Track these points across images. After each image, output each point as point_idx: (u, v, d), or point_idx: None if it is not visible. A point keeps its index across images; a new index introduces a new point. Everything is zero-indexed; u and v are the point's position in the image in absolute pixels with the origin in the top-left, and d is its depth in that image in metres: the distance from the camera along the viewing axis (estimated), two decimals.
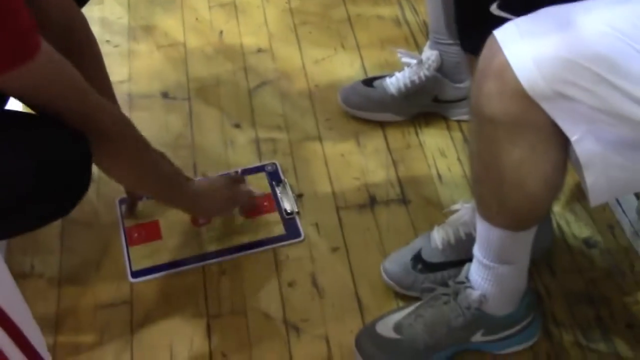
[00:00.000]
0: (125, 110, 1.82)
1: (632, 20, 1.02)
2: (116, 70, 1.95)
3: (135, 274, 1.52)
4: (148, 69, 1.96)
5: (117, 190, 1.64)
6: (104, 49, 1.99)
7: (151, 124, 1.81)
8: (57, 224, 1.59)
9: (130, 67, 1.96)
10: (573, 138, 1.02)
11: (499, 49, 1.02)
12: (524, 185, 1.10)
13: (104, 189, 1.67)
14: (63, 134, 1.14)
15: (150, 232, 1.59)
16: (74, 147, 1.16)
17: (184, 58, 1.98)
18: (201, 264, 1.53)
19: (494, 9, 1.16)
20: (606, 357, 1.36)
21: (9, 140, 1.12)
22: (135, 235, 1.59)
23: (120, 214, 1.63)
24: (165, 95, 1.89)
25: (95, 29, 2.01)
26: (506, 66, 1.01)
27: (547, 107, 1.01)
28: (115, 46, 2.02)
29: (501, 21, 1.08)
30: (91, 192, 1.66)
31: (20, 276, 1.51)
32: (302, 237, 1.56)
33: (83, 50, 1.42)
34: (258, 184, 1.66)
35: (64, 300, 1.49)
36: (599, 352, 1.36)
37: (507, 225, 1.19)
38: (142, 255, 1.55)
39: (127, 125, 1.29)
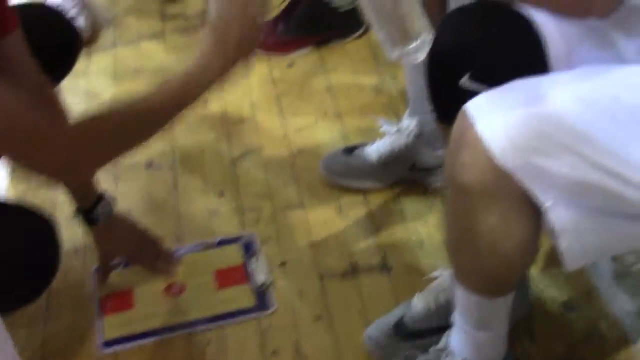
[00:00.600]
0: (110, 182, 1.87)
1: (597, 93, 1.06)
2: None
3: (107, 344, 1.53)
4: None
5: None
6: None
7: (135, 195, 1.84)
8: (42, 296, 1.60)
9: None
10: (545, 206, 1.05)
11: (471, 121, 1.06)
12: (499, 252, 1.13)
13: (89, 260, 1.68)
14: (30, 229, 1.16)
15: (123, 301, 1.60)
16: (41, 243, 1.18)
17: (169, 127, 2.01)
18: (174, 333, 1.54)
19: (464, 81, 1.21)
20: None
21: None
22: (109, 304, 1.60)
23: (95, 283, 1.64)
24: (149, 164, 1.92)
25: (81, 101, 2.08)
26: (478, 137, 1.05)
27: (519, 176, 1.04)
28: None
29: (473, 93, 1.12)
30: (76, 263, 1.69)
31: None
32: (273, 309, 1.57)
33: None
34: (232, 255, 1.68)
35: None
36: None
37: (484, 291, 1.22)
38: (115, 325, 1.56)
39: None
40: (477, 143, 1.05)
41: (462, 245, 1.19)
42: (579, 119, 1.04)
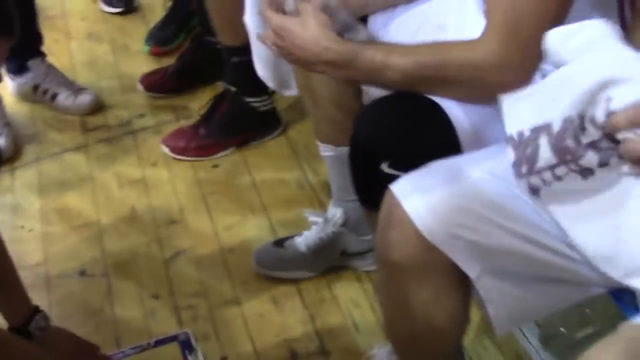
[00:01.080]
0: (42, 292, 1.87)
1: (506, 167, 1.15)
2: (32, 253, 1.99)
3: None
4: (64, 250, 2.00)
5: None
6: (18, 234, 2.06)
7: (70, 303, 1.85)
8: None
9: (46, 250, 2.00)
10: (473, 276, 1.12)
11: (397, 202, 1.14)
12: (434, 324, 1.18)
13: None
14: None
15: None
16: None
17: (99, 235, 2.04)
18: None
19: (384, 167, 1.29)
20: None
21: None
22: None
23: None
24: (82, 273, 1.93)
25: (8, 216, 2.09)
26: (405, 216, 1.12)
27: (445, 249, 1.11)
28: (30, 230, 2.06)
29: (394, 177, 1.20)
30: None
31: None
32: None
33: None
34: (171, 354, 1.70)
35: None
36: None
37: None
38: None
39: None
40: (404, 222, 1.12)
41: (397, 321, 1.25)
42: (492, 191, 1.12)
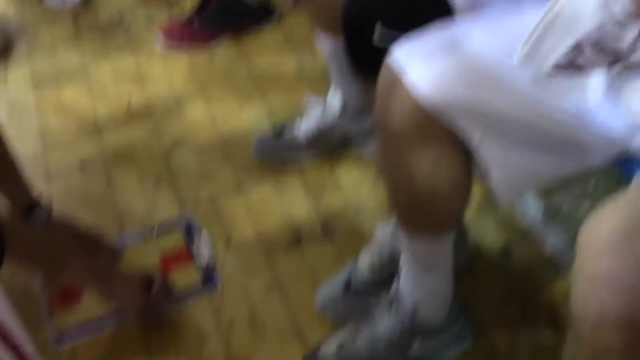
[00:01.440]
0: (42, 185, 1.86)
1: (506, 34, 1.12)
2: (30, 149, 1.97)
3: (60, 339, 1.53)
4: (62, 144, 1.98)
5: None
6: (14, 130, 2.03)
7: (71, 196, 1.84)
8: None
9: (44, 144, 1.98)
10: (473, 142, 1.11)
11: (395, 70, 1.11)
12: (436, 193, 1.17)
13: None
14: None
15: (72, 295, 1.59)
16: None
17: (97, 129, 2.02)
18: (128, 322, 1.54)
19: (378, 31, 1.26)
20: (534, 348, 1.44)
21: None
22: (57, 299, 1.59)
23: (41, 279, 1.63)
24: (82, 166, 1.91)
25: (3, 112, 2.06)
26: (404, 84, 1.10)
27: (445, 116, 1.09)
28: (26, 126, 2.04)
29: (389, 39, 1.17)
30: None
31: None
32: (221, 285, 1.60)
33: None
34: (174, 239, 1.70)
35: None
36: (528, 345, 1.45)
37: (426, 233, 1.27)
38: (66, 319, 1.56)
39: None
40: (402, 89, 1.10)
41: (399, 192, 1.24)
42: (491, 60, 1.09)
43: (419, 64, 1.11)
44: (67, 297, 1.60)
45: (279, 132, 1.87)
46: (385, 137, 1.19)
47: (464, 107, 1.08)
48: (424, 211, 1.23)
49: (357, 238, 1.67)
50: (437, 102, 1.08)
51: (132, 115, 2.06)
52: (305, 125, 1.83)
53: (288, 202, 1.77)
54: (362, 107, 1.80)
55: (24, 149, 1.95)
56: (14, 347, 1.02)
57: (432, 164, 1.15)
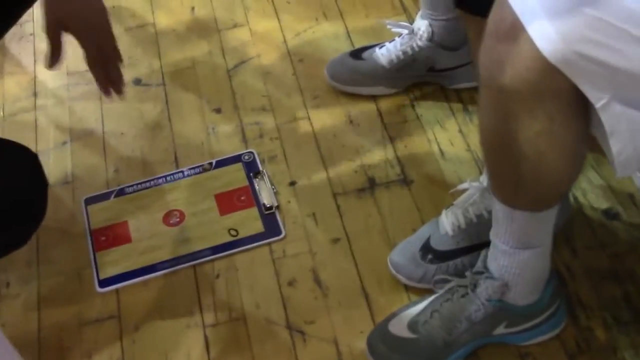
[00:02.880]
0: (94, 101, 1.71)
1: None
2: (81, 58, 1.80)
3: (103, 283, 1.41)
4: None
5: (92, 190, 1.52)
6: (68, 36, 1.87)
7: (125, 115, 1.68)
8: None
9: None
10: (598, 105, 0.91)
11: (510, 9, 0.91)
12: (544, 161, 1.00)
13: (79, 191, 1.54)
14: (11, 165, 1.01)
15: (119, 235, 1.47)
16: (27, 174, 1.03)
17: (155, 39, 1.84)
18: (177, 267, 1.41)
19: None
20: (638, 337, 1.25)
21: None
22: (103, 238, 1.46)
23: (87, 215, 1.50)
24: (138, 81, 1.75)
25: None
26: (520, 28, 0.90)
27: (568, 71, 0.89)
28: None
29: None
30: (66, 196, 1.55)
31: None
32: (282, 235, 1.44)
33: None
34: (235, 176, 1.53)
35: (45, 319, 1.37)
36: (630, 332, 1.26)
37: (527, 206, 1.09)
38: (111, 261, 1.43)
39: None
40: (517, 35, 0.91)
41: (500, 156, 1.05)
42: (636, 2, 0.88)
43: (542, 4, 0.89)
44: (113, 236, 1.46)
45: (358, 55, 1.66)
46: (490, 92, 0.99)
47: (595, 64, 0.88)
48: (529, 183, 1.04)
49: (438, 188, 1.48)
50: (559, 51, 0.88)
51: (194, 27, 1.87)
52: (388, 52, 1.61)
53: (362, 139, 1.58)
54: (453, 37, 1.57)
55: (75, 59, 1.80)
56: None
57: (543, 126, 0.96)
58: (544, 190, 1.06)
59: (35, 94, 1.76)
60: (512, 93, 0.95)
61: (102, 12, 1.30)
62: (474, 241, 1.30)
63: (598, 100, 0.91)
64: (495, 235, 1.16)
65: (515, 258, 1.15)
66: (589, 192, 1.43)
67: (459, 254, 1.31)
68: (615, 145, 0.94)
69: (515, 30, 0.91)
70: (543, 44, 0.89)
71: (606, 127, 0.93)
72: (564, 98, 0.94)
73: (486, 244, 1.20)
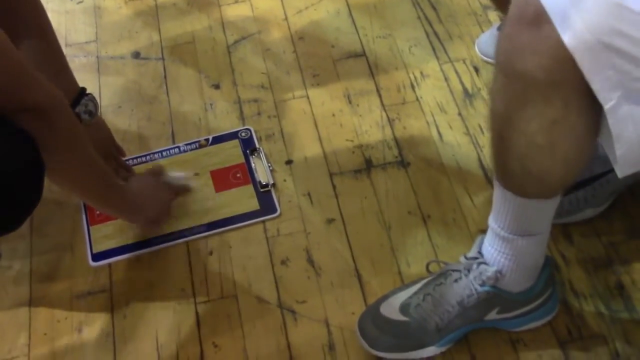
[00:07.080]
0: (93, 74, 1.70)
1: None
2: (81, 29, 1.79)
3: (96, 257, 1.40)
4: (117, 27, 1.80)
5: None
6: (67, 6, 1.85)
7: (123, 88, 1.67)
8: None
9: (97, 26, 1.80)
10: (607, 106, 0.90)
11: (537, 3, 0.88)
12: (555, 149, 0.98)
13: None
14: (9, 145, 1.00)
15: None
16: (22, 157, 1.02)
17: (155, 13, 1.82)
18: (171, 243, 1.41)
19: None
20: (630, 327, 1.25)
21: None
22: (97, 213, 1.45)
23: None
24: (136, 55, 1.73)
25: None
26: (543, 14, 0.88)
27: (586, 63, 0.87)
28: (79, 2, 1.85)
29: None
30: None
31: None
32: (277, 213, 1.43)
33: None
34: (230, 153, 1.52)
35: (36, 290, 1.37)
36: (622, 321, 1.25)
37: (531, 194, 1.07)
38: (104, 235, 1.43)
39: (62, 104, 1.11)
40: (540, 21, 0.88)
41: (510, 142, 1.02)
42: None
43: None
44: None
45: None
46: (506, 77, 0.97)
47: (617, 55, 0.87)
48: (535, 171, 1.02)
49: (435, 170, 1.47)
50: (583, 41, 0.86)
51: (193, 1, 1.84)
52: None
53: (361, 118, 1.57)
54: None
55: (75, 32, 1.79)
56: None
57: (558, 114, 0.95)
58: (550, 179, 1.04)
59: None
60: (529, 80, 0.93)
61: (108, 140, 1.45)
62: None
63: (607, 101, 0.90)
64: (493, 220, 1.15)
65: (511, 244, 1.14)
66: None
67: None
68: (620, 149, 0.93)
69: (538, 17, 0.89)
70: (566, 33, 0.87)
71: (612, 132, 0.92)
72: (581, 88, 0.91)
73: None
